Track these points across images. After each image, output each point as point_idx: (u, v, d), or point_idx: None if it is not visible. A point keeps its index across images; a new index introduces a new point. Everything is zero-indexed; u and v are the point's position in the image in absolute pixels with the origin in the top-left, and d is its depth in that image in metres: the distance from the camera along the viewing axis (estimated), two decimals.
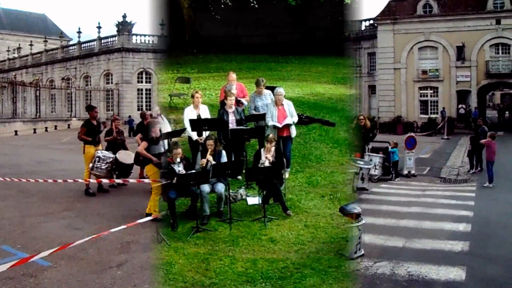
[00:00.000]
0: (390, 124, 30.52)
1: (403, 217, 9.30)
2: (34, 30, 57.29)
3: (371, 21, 33.55)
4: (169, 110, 11.91)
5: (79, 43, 43.49)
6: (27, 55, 49.84)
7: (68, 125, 35.70)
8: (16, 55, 51.87)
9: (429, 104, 31.53)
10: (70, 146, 20.76)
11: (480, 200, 11.47)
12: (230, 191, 7.88)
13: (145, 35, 39.05)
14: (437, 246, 7.34)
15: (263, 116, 8.76)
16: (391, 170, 14.92)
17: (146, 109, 32.93)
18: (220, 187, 7.51)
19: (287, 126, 8.62)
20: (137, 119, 21.13)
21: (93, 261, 6.31)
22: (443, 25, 30.49)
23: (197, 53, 21.93)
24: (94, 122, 10.44)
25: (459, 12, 30.13)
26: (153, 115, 10.67)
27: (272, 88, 9.21)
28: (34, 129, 32.38)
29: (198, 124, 8.38)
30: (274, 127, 8.55)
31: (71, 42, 51.62)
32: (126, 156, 10.42)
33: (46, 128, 33.77)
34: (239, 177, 8.58)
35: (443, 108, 30.06)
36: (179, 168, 7.46)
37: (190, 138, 8.67)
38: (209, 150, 7.66)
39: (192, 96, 8.87)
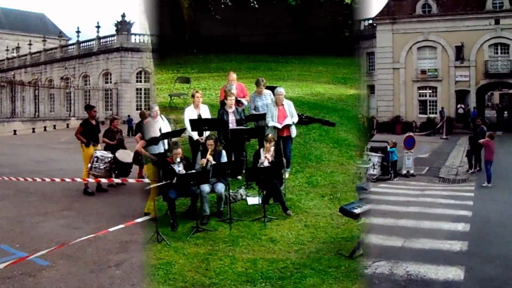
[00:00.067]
0: (389, 124, 30.55)
1: (402, 216, 9.33)
2: (33, 30, 57.20)
3: (370, 21, 33.56)
4: (169, 110, 11.92)
5: (78, 42, 43.46)
6: (26, 55, 49.79)
7: (67, 124, 35.68)
8: (15, 54, 51.82)
9: (428, 104, 31.56)
10: (69, 146, 20.73)
11: (479, 200, 11.50)
12: (230, 191, 7.89)
13: (143, 35, 39.03)
14: (435, 245, 7.37)
15: (263, 116, 8.77)
16: (389, 169, 14.97)
17: (145, 108, 32.92)
18: (220, 187, 7.52)
19: (287, 126, 8.63)
20: (136, 119, 21.14)
21: (92, 261, 6.32)
22: (442, 25, 30.52)
23: (197, 53, 21.95)
24: (93, 122, 10.44)
25: (458, 12, 30.16)
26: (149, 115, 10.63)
27: (272, 88, 9.22)
28: (33, 129, 32.36)
29: (198, 124, 8.39)
30: (274, 127, 8.57)
31: (70, 42, 51.53)
32: (125, 155, 10.44)
33: (45, 127, 33.74)
34: (239, 177, 8.60)
35: (442, 108, 30.09)
36: (179, 168, 7.47)
37: (190, 138, 8.68)
38: (209, 150, 7.67)
39: (193, 96, 8.88)
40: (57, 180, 10.26)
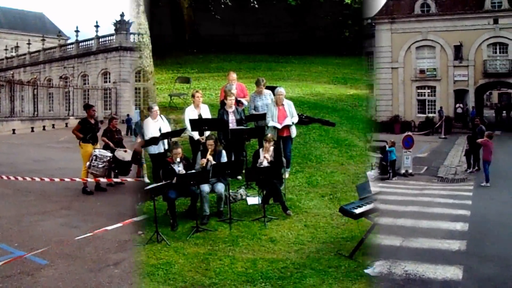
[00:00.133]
0: (387, 123, 30.56)
1: (400, 216, 9.36)
2: (32, 29, 57.07)
3: (369, 20, 33.55)
4: (169, 110, 11.94)
5: (77, 42, 43.39)
6: (25, 54, 49.68)
7: (66, 124, 35.64)
8: (14, 54, 51.69)
9: (427, 103, 31.57)
10: (67, 145, 20.71)
11: (477, 199, 11.53)
12: (230, 191, 7.91)
13: (142, 34, 38.92)
14: (434, 245, 7.40)
15: (263, 116, 8.78)
16: (388, 169, 14.99)
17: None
18: (220, 187, 7.54)
19: (287, 126, 8.64)
20: (135, 118, 21.17)
21: (90, 260, 6.34)
22: (440, 24, 30.52)
23: (197, 53, 21.97)
24: (92, 121, 10.45)
25: (456, 11, 30.17)
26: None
27: (272, 88, 9.24)
28: (32, 128, 32.33)
29: (198, 124, 8.41)
30: (274, 127, 8.59)
31: (69, 41, 51.47)
32: (124, 154, 10.46)
33: (44, 126, 33.72)
34: (239, 177, 8.62)
35: (441, 107, 30.10)
36: (179, 168, 7.49)
37: (191, 137, 8.70)
38: (209, 150, 7.69)
39: (193, 96, 8.90)
40: (56, 179, 10.28)
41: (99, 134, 10.67)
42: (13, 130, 30.10)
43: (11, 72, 45.92)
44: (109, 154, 10.22)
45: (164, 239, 6.79)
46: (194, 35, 23.91)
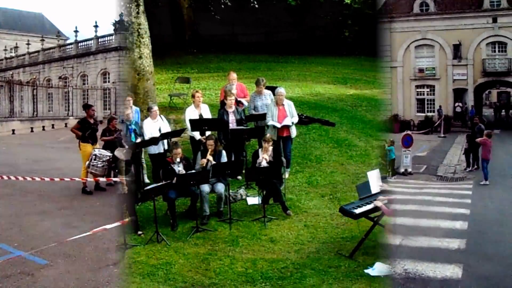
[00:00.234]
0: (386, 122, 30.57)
1: (400, 215, 9.37)
2: (31, 29, 57.02)
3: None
4: (169, 110, 11.94)
5: (76, 42, 43.33)
6: (24, 54, 49.60)
7: (65, 124, 35.57)
8: (13, 54, 51.63)
9: (426, 102, 31.57)
10: (67, 145, 20.68)
11: (476, 198, 11.56)
12: (230, 191, 7.92)
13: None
14: (433, 244, 7.43)
15: (263, 116, 8.79)
16: (387, 168, 15.00)
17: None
18: (220, 187, 7.55)
19: (287, 126, 8.65)
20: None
21: (90, 259, 6.36)
22: (439, 23, 30.52)
23: (197, 53, 21.96)
24: (91, 121, 10.46)
25: (455, 10, 30.17)
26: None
27: (272, 88, 9.25)
28: (31, 128, 32.30)
29: (198, 124, 8.42)
30: (274, 126, 8.60)
31: (68, 41, 51.40)
32: (124, 153, 10.45)
33: (43, 127, 33.68)
34: (239, 177, 8.63)
35: (440, 106, 30.11)
36: (179, 168, 7.50)
37: (192, 137, 8.71)
38: (209, 150, 7.70)
39: (193, 96, 8.91)
40: (56, 179, 10.28)
41: (98, 134, 10.68)
42: (13, 130, 30.07)
43: (11, 73, 45.85)
44: (109, 153, 10.23)
45: (164, 239, 6.80)
46: (194, 35, 23.89)
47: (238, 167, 8.04)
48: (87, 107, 10.78)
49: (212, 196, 7.70)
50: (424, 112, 31.17)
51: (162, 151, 8.68)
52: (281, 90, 8.81)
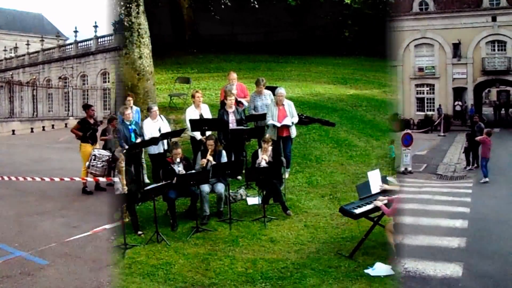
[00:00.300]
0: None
1: (400, 213, 9.37)
2: (30, 30, 57.00)
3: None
4: (169, 110, 11.95)
5: (76, 42, 43.31)
6: (24, 55, 49.58)
7: (65, 124, 35.58)
8: (12, 54, 51.63)
9: (426, 101, 31.59)
10: (67, 145, 20.69)
11: (476, 196, 11.56)
12: (230, 191, 7.93)
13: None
14: (434, 242, 7.43)
15: (263, 116, 8.80)
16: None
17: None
18: (220, 187, 7.55)
19: (287, 126, 8.66)
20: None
21: (90, 259, 6.36)
22: (439, 22, 30.53)
23: (196, 53, 21.94)
24: (91, 121, 10.46)
25: (455, 9, 30.17)
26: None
27: (272, 88, 9.25)
28: (32, 129, 32.31)
29: (198, 124, 8.43)
30: (274, 126, 8.60)
31: (67, 42, 51.35)
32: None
33: (43, 127, 33.69)
34: (239, 177, 8.63)
35: (440, 105, 30.12)
36: (179, 168, 7.51)
37: (192, 137, 8.71)
38: (209, 150, 7.71)
39: (193, 96, 8.92)
40: (56, 179, 10.29)
41: (98, 134, 10.68)
42: (13, 130, 30.09)
43: (10, 73, 45.82)
44: (108, 153, 10.23)
45: (164, 239, 6.81)
46: (194, 35, 23.88)
47: (238, 167, 8.05)
48: (87, 107, 10.78)
49: (212, 196, 7.71)
50: (424, 111, 31.19)
51: (162, 151, 8.69)
52: (281, 90, 8.81)
